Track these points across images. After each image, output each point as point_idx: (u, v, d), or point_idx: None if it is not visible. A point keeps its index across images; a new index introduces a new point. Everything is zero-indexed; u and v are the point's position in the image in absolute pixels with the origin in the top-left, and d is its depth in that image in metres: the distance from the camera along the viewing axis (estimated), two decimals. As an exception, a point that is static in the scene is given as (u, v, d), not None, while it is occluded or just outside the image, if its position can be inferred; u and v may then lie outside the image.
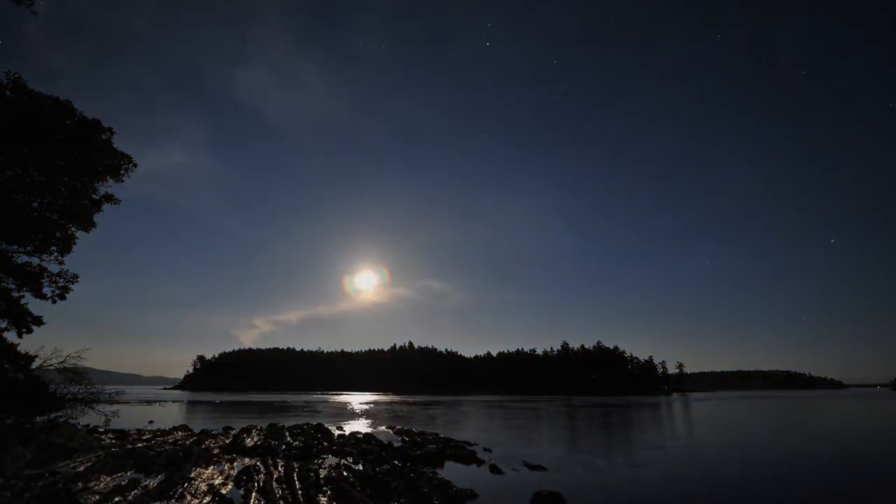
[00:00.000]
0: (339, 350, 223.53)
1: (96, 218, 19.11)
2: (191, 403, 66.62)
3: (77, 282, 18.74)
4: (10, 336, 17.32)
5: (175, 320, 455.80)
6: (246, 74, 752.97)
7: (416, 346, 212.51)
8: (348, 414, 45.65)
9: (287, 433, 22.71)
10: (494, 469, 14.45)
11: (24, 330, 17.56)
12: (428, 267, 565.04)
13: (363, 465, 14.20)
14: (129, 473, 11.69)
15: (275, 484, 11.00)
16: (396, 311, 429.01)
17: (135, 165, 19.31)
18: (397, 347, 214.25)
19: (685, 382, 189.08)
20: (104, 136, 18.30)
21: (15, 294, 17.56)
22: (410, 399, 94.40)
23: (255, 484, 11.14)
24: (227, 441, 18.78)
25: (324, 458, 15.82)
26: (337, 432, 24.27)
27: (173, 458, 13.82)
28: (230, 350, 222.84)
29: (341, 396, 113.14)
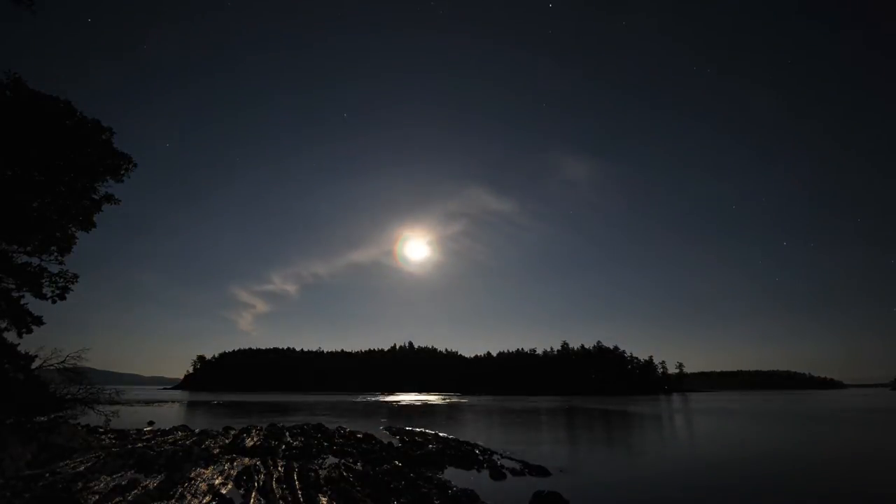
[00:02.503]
0: (339, 350, 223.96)
1: (96, 218, 19.12)
2: (191, 403, 66.59)
3: (77, 282, 18.75)
4: (10, 336, 17.31)
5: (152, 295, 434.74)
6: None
7: (415, 346, 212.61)
8: (348, 414, 45.64)
9: (287, 433, 22.72)
10: (494, 469, 14.44)
11: (24, 330, 17.54)
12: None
13: (363, 465, 14.20)
14: (129, 473, 11.68)
15: (275, 484, 11.00)
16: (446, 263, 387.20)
17: (134, 165, 19.32)
18: (397, 347, 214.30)
19: (685, 382, 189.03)
20: (104, 136, 18.30)
21: (15, 294, 17.54)
22: (411, 399, 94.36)
23: (255, 484, 11.14)
24: (227, 441, 18.79)
25: (324, 458, 15.83)
26: (337, 432, 24.27)
27: (173, 458, 13.81)
28: (230, 350, 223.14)
29: (342, 397, 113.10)
